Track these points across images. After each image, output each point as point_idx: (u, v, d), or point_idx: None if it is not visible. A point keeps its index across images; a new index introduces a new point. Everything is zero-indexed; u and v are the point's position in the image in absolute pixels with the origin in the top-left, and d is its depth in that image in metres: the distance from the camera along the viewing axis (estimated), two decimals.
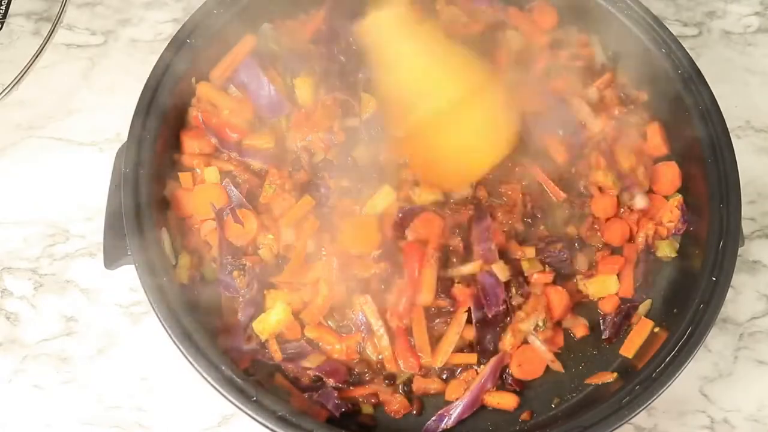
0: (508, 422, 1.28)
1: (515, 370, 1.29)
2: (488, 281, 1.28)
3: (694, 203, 1.37)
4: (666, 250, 1.37)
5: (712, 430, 1.37)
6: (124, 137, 1.28)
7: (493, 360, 1.28)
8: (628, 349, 1.31)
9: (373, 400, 1.27)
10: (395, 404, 1.27)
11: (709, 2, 1.73)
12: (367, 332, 1.27)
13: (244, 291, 1.28)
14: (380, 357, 1.27)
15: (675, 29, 1.51)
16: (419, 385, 1.28)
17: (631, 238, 1.38)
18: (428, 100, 1.24)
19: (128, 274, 1.23)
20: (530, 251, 1.33)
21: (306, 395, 1.25)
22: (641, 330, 1.32)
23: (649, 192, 1.40)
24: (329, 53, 1.43)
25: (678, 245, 1.38)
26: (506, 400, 1.28)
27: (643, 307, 1.35)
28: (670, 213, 1.38)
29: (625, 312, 1.33)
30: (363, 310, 1.27)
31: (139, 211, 1.23)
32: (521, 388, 1.29)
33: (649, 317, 1.34)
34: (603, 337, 1.34)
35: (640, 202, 1.37)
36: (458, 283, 1.29)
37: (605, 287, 1.34)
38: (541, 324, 1.28)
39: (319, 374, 1.26)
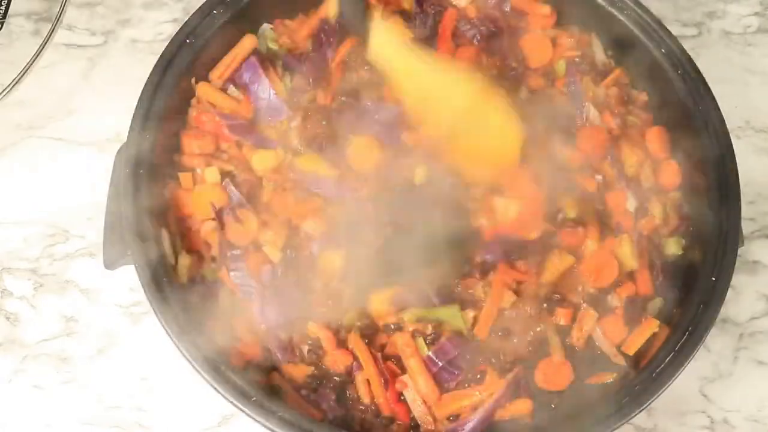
0: (507, 422, 1.27)
1: (539, 379, 1.27)
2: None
3: (694, 203, 1.37)
4: (673, 248, 1.36)
5: (712, 430, 1.37)
6: (124, 137, 1.28)
7: (509, 377, 1.25)
8: (629, 346, 1.30)
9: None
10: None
11: (708, 2, 1.73)
12: (358, 370, 1.25)
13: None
14: (374, 401, 1.25)
15: (675, 29, 1.51)
16: (427, 428, 1.25)
17: None
18: (438, 113, 1.30)
19: (128, 274, 1.23)
20: None
21: (303, 395, 1.25)
22: (645, 329, 1.31)
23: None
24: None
25: (683, 242, 1.37)
26: (521, 407, 1.26)
27: (652, 305, 1.34)
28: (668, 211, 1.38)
29: (638, 307, 1.32)
30: (354, 350, 1.25)
31: (139, 212, 1.23)
32: (535, 395, 1.27)
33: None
34: None
35: (630, 205, 1.37)
36: None
37: (629, 259, 1.33)
38: None
39: (315, 373, 1.26)
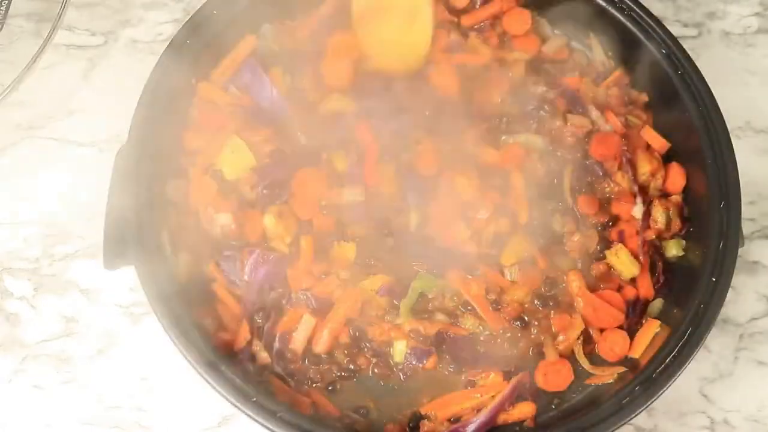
0: (509, 424, 1.27)
1: (540, 380, 1.27)
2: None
3: (694, 203, 1.37)
4: (673, 250, 1.36)
5: (712, 430, 1.37)
6: (124, 137, 1.28)
7: (513, 380, 1.25)
8: (636, 349, 1.29)
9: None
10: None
11: (708, 3, 1.73)
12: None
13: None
14: None
15: (675, 30, 1.51)
16: (430, 427, 1.25)
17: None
18: None
19: (128, 274, 1.23)
20: None
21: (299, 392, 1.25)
22: (648, 330, 1.30)
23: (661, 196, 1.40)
24: None
25: (684, 243, 1.37)
26: (524, 410, 1.25)
27: (653, 306, 1.34)
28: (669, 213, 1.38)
29: (640, 310, 1.33)
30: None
31: (139, 211, 1.23)
32: (536, 396, 1.27)
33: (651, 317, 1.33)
34: None
35: (637, 212, 1.37)
36: None
37: (629, 267, 1.33)
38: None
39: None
